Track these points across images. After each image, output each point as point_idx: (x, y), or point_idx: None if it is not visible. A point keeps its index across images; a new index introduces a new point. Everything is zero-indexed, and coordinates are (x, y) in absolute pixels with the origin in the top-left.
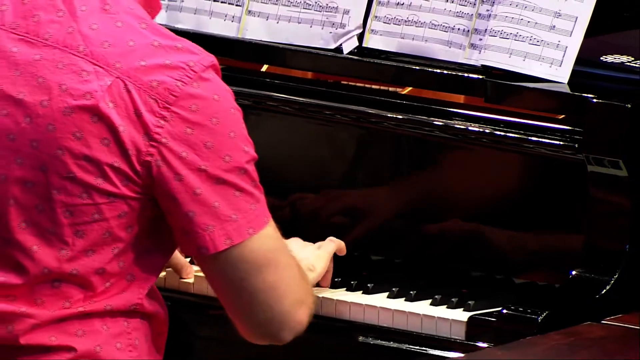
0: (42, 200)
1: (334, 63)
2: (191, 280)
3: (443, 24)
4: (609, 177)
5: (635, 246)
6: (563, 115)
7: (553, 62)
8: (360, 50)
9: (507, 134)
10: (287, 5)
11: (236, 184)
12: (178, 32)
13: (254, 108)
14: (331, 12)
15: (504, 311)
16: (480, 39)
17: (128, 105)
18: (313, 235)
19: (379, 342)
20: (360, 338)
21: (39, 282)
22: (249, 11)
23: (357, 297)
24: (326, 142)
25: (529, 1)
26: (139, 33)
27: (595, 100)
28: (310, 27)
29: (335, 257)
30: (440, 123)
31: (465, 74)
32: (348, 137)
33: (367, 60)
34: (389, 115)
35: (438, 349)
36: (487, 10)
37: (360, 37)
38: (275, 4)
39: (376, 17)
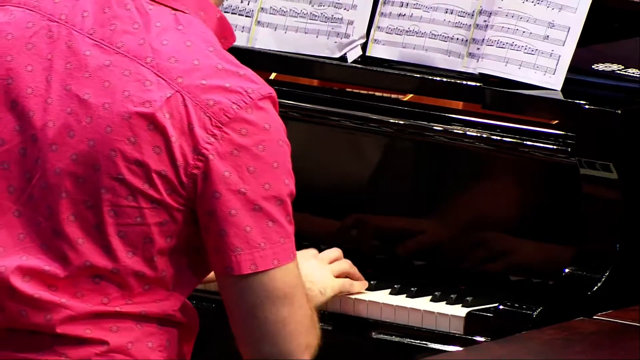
0: (91, 197)
1: (339, 71)
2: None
3: (442, 34)
4: (601, 179)
5: (625, 245)
6: (557, 121)
7: (547, 70)
8: (364, 59)
9: (504, 139)
10: (295, 16)
11: (271, 213)
12: None
13: None
14: (336, 22)
15: (501, 307)
16: (478, 48)
17: (183, 118)
18: (314, 234)
19: (381, 336)
20: (364, 333)
21: (81, 275)
22: (258, 22)
23: (361, 293)
24: (331, 145)
25: (524, 12)
26: (205, 55)
27: (587, 106)
28: (317, 37)
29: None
30: (440, 128)
31: (464, 82)
32: (352, 141)
33: (371, 68)
34: (391, 120)
35: (438, 343)
36: (485, 21)
37: (364, 47)
38: (283, 15)
39: (379, 27)
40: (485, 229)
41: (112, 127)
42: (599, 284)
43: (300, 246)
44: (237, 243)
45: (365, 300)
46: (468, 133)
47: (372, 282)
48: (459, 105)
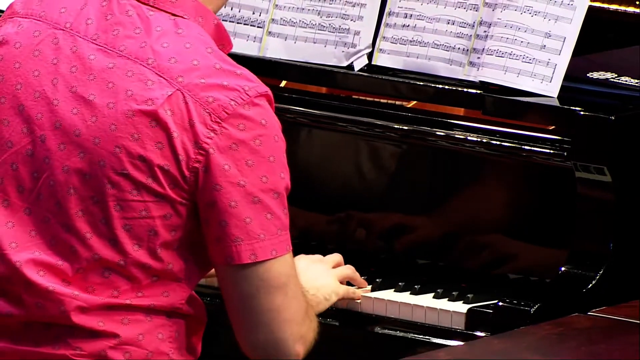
0: (97, 192)
1: (346, 79)
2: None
3: (445, 44)
4: (595, 182)
5: (619, 245)
6: (553, 127)
7: (544, 78)
8: (369, 67)
9: (503, 143)
10: (304, 27)
11: (269, 206)
12: None
13: None
14: (343, 33)
15: (500, 304)
16: (478, 58)
17: (184, 115)
18: (321, 234)
19: (386, 331)
20: (370, 328)
21: (91, 268)
22: (269, 32)
23: (367, 291)
24: (338, 150)
25: (522, 23)
26: (204, 55)
27: (582, 113)
28: (325, 46)
29: (346, 256)
30: (442, 133)
31: (465, 89)
32: (358, 146)
33: (376, 76)
34: (395, 126)
35: (440, 338)
36: (485, 31)
37: (370, 56)
38: (293, 25)
39: (384, 37)
40: (484, 230)
41: (117, 125)
42: (593, 282)
43: (307, 245)
44: (238, 233)
45: (371, 297)
46: (469, 138)
47: (377, 280)
48: (461, 111)
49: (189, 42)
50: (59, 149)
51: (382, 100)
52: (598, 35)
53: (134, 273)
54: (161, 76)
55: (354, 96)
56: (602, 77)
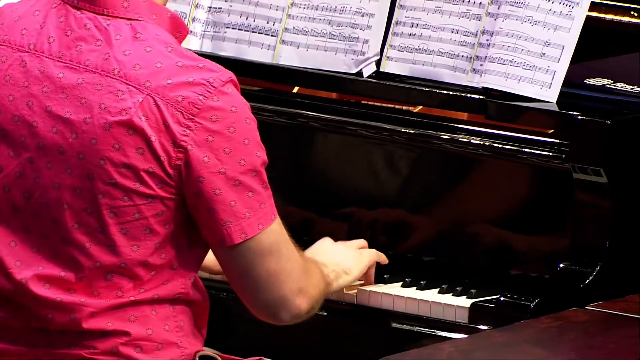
0: (90, 204)
1: (355, 85)
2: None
3: (449, 52)
4: (592, 183)
5: (614, 243)
6: (552, 130)
7: (543, 85)
8: (378, 74)
9: (504, 146)
10: (315, 36)
11: (249, 185)
12: (221, 59)
13: (286, 124)
14: (353, 41)
15: (502, 298)
16: (481, 65)
17: (158, 118)
18: (331, 232)
19: (394, 325)
20: (377, 321)
21: (94, 275)
22: (283, 41)
23: (375, 286)
24: (348, 153)
25: (523, 32)
26: (165, 56)
27: (580, 117)
28: (335, 54)
29: None
30: (447, 137)
31: (468, 95)
32: (367, 149)
33: (384, 82)
34: (402, 130)
35: (445, 331)
36: (487, 40)
37: (378, 63)
38: (305, 34)
39: (392, 45)
40: (487, 228)
41: (97, 139)
42: (590, 278)
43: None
44: (226, 217)
45: (379, 293)
46: (472, 141)
47: (385, 275)
48: (464, 116)
49: (149, 46)
50: (47, 167)
51: (389, 105)
52: (595, 44)
53: (135, 272)
54: (129, 84)
55: (363, 101)
56: (598, 83)
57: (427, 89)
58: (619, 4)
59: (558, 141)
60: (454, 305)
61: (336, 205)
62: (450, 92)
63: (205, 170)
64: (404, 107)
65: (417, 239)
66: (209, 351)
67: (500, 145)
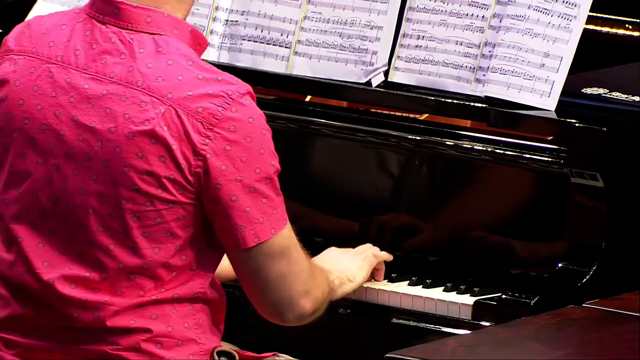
0: (114, 209)
1: (364, 94)
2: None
3: (453, 63)
4: (589, 187)
5: (610, 243)
6: (551, 137)
7: (543, 94)
8: (386, 84)
9: (506, 152)
10: (327, 47)
11: (264, 192)
12: (238, 69)
13: (299, 131)
14: (362, 53)
15: (503, 296)
16: (484, 75)
17: (179, 128)
18: (341, 235)
19: (401, 321)
20: (386, 318)
21: (117, 275)
22: (296, 52)
23: (384, 284)
24: (358, 158)
25: (524, 44)
26: (186, 69)
27: (577, 124)
28: (345, 65)
29: None
30: (451, 143)
31: (472, 103)
32: (376, 154)
33: (392, 92)
34: (409, 137)
35: (449, 327)
36: (489, 51)
37: (386, 73)
38: (317, 46)
39: (399, 57)
40: (489, 230)
41: (121, 147)
42: (587, 277)
43: (331, 246)
44: (241, 222)
45: (387, 291)
46: (475, 147)
47: (392, 275)
48: (468, 123)
49: (170, 59)
50: (74, 174)
51: (397, 113)
52: (592, 55)
53: (157, 272)
54: (152, 96)
55: (371, 109)
56: (595, 92)
57: (432, 98)
58: (615, 17)
59: (557, 147)
60: (458, 303)
61: (347, 207)
62: (455, 101)
63: (223, 178)
64: (411, 115)
65: (423, 240)
66: (226, 347)
67: (501, 151)
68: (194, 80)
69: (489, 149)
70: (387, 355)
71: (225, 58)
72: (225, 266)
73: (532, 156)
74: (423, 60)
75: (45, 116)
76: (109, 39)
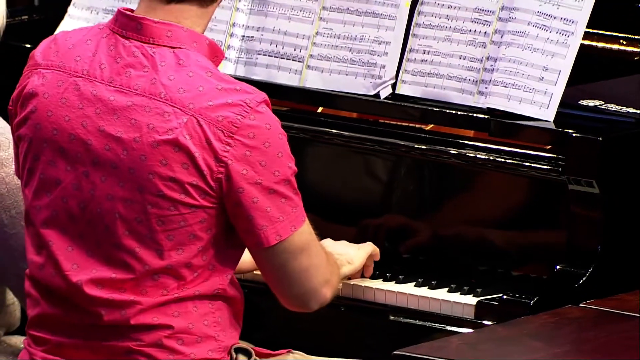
0: (140, 213)
1: (373, 106)
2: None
3: (457, 76)
4: (585, 194)
5: (605, 247)
6: (549, 146)
7: (542, 105)
8: (393, 96)
9: (507, 161)
10: (337, 62)
11: (283, 192)
12: (253, 82)
13: (311, 140)
14: (371, 67)
15: (504, 297)
16: (486, 87)
17: (201, 136)
18: (350, 239)
19: (408, 320)
20: (393, 317)
21: (142, 276)
22: (308, 66)
23: (391, 285)
24: (367, 166)
25: (523, 58)
26: (206, 80)
27: (574, 134)
28: (355, 78)
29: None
30: (455, 152)
31: (474, 114)
32: (384, 163)
33: (399, 103)
34: (415, 146)
35: (453, 326)
36: (491, 65)
37: (394, 86)
38: (328, 60)
39: (406, 70)
40: (491, 234)
41: (146, 155)
42: (584, 278)
43: None
44: (262, 222)
45: (394, 292)
46: (478, 156)
47: (400, 276)
48: (470, 133)
49: (191, 71)
50: (101, 181)
51: (404, 124)
52: (588, 69)
53: (180, 272)
54: (174, 106)
55: (380, 120)
56: (591, 104)
57: (437, 109)
58: (610, 33)
59: (555, 156)
60: (461, 303)
61: (357, 215)
62: (458, 112)
63: (244, 182)
64: (417, 126)
65: (429, 244)
66: (243, 344)
67: (503, 160)
68: (213, 90)
69: (491, 158)
70: (394, 352)
71: (241, 71)
72: (246, 259)
73: (532, 164)
74: (429, 73)
75: (73, 127)
76: (132, 53)
